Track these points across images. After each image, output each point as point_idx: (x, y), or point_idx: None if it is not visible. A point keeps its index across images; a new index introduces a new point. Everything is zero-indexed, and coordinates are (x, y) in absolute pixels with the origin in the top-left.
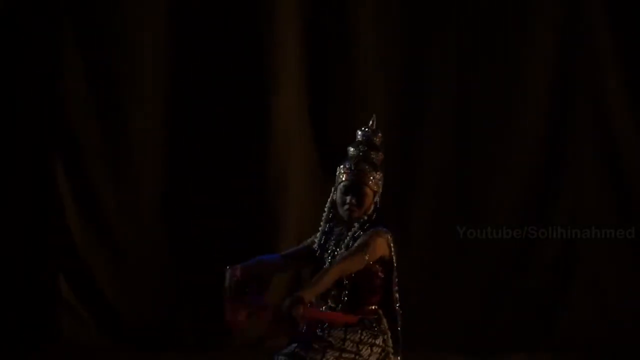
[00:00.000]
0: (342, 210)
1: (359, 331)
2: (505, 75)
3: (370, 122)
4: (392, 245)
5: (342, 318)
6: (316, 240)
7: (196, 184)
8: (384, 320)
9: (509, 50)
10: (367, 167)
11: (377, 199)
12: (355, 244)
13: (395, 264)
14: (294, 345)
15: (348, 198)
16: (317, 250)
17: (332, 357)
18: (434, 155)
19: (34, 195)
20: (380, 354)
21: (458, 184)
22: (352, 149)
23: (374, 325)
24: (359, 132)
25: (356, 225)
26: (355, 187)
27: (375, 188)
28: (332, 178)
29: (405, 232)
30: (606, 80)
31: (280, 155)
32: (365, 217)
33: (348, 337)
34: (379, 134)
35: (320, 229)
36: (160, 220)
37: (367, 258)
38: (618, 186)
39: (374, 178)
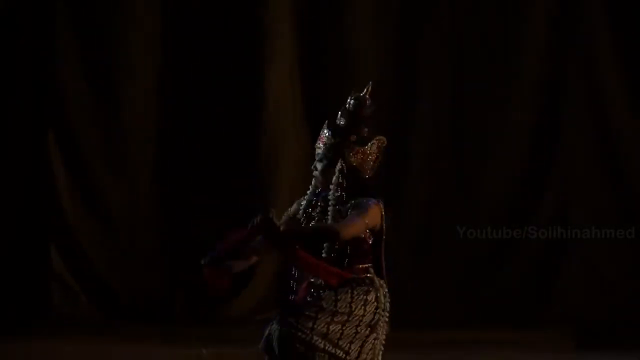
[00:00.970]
0: (314, 177)
1: (349, 290)
2: (500, 69)
3: (364, 91)
4: (383, 215)
5: (334, 273)
6: (301, 209)
7: (189, 157)
8: (376, 279)
9: (504, 43)
10: (342, 140)
11: (340, 165)
12: (354, 211)
13: (384, 235)
14: (286, 313)
15: (319, 167)
16: (301, 219)
17: (323, 322)
18: (426, 136)
19: (25, 171)
20: (374, 310)
21: (451, 172)
22: (339, 113)
23: (366, 281)
24: (349, 100)
25: (335, 197)
26: (321, 157)
27: (347, 155)
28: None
29: (398, 211)
30: (603, 75)
31: (272, 127)
32: (338, 190)
33: (339, 297)
34: (368, 103)
35: (305, 197)
36: (152, 195)
37: (367, 222)
38: (615, 178)
39: (336, 142)
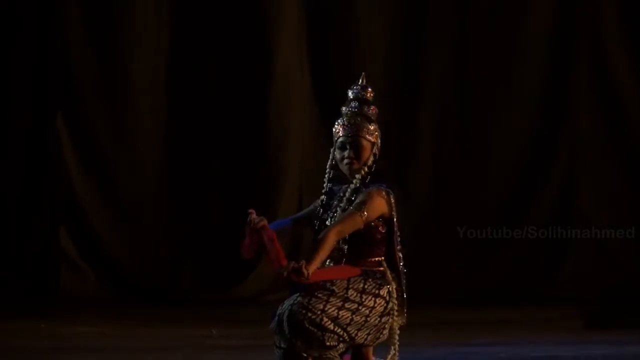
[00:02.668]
0: (342, 166)
1: (362, 281)
2: (505, 62)
3: (360, 80)
4: (392, 203)
5: (344, 273)
6: (319, 201)
7: (198, 134)
8: (389, 272)
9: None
10: (360, 120)
11: (375, 150)
12: (354, 204)
13: (396, 223)
14: (297, 295)
15: (346, 153)
16: (319, 211)
17: (334, 307)
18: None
19: (35, 152)
20: (384, 307)
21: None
22: (344, 108)
23: (378, 275)
24: (350, 91)
25: (357, 177)
26: (352, 140)
27: (372, 139)
28: (330, 132)
29: (404, 177)
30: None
31: (280, 102)
32: (366, 168)
33: (351, 286)
34: (369, 89)
35: (323, 190)
36: (161, 173)
37: (364, 217)
38: (623, 162)
39: (369, 130)
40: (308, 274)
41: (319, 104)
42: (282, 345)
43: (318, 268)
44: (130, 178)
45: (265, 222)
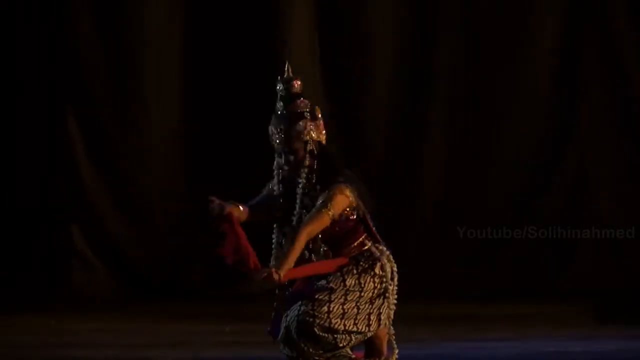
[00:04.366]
0: (286, 171)
1: (354, 266)
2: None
3: (285, 72)
4: (352, 195)
5: (329, 265)
6: (275, 190)
7: (209, 132)
8: (374, 247)
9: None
10: (286, 123)
11: (310, 147)
12: (318, 203)
13: (363, 207)
14: (298, 304)
15: (282, 160)
16: (277, 204)
17: (338, 304)
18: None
19: (46, 146)
20: (380, 283)
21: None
22: (277, 107)
23: (366, 254)
24: (278, 86)
25: (302, 178)
26: (283, 147)
27: (303, 138)
28: (341, 121)
29: (413, 186)
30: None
31: None
32: (306, 169)
33: (346, 276)
34: (295, 82)
35: (275, 189)
36: (173, 170)
37: (330, 214)
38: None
39: (297, 131)
40: (279, 277)
41: (331, 101)
42: (293, 355)
43: (299, 265)
44: (142, 175)
45: (231, 210)
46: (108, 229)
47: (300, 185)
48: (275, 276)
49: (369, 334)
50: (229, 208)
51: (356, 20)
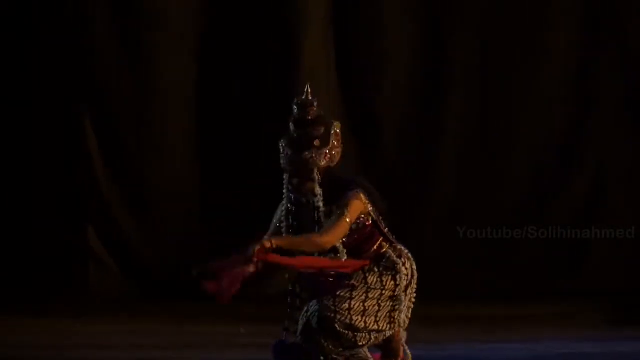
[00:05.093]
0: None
1: (375, 265)
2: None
3: (304, 95)
4: (366, 201)
5: (355, 264)
6: (282, 217)
7: (225, 132)
8: (390, 249)
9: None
10: (297, 150)
11: (316, 175)
12: (335, 213)
13: (375, 214)
14: (316, 300)
15: (294, 182)
16: (284, 228)
17: (359, 301)
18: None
19: (62, 147)
20: (402, 281)
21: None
22: (290, 128)
23: (387, 255)
24: (294, 108)
25: (317, 195)
26: (290, 170)
27: (312, 160)
28: (357, 125)
29: (429, 173)
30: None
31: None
32: (317, 185)
33: (368, 274)
34: (312, 107)
35: (284, 225)
36: (189, 171)
37: (349, 221)
38: None
39: (304, 159)
40: (271, 245)
41: (345, 101)
42: (311, 349)
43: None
44: (158, 177)
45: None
46: (124, 231)
47: (314, 201)
48: (267, 244)
49: (388, 333)
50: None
51: (371, 21)
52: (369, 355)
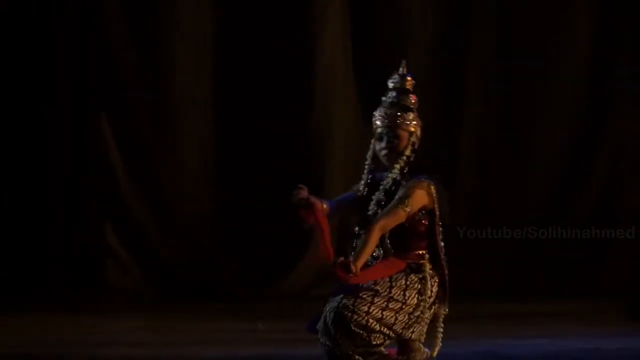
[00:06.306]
0: (381, 157)
1: (404, 277)
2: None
3: (400, 69)
4: (434, 195)
5: (388, 270)
6: (360, 187)
7: (243, 130)
8: (428, 266)
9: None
10: (397, 110)
11: (413, 139)
12: (396, 197)
13: (438, 214)
14: (340, 297)
15: (383, 144)
16: (359, 201)
17: (378, 308)
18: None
19: (79, 145)
20: (426, 298)
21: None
22: (384, 97)
23: (422, 269)
24: (389, 80)
25: (396, 167)
26: (388, 131)
27: (410, 129)
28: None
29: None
30: None
31: (323, 94)
32: (405, 158)
33: (394, 284)
34: (409, 78)
35: (362, 181)
36: (205, 169)
37: (407, 210)
38: None
39: (406, 120)
40: (356, 270)
41: (363, 96)
42: (328, 344)
43: (362, 268)
44: (174, 174)
45: (316, 201)
46: (141, 228)
47: (392, 173)
48: (353, 267)
49: (403, 338)
50: (314, 200)
51: (389, 20)
52: (385, 350)
